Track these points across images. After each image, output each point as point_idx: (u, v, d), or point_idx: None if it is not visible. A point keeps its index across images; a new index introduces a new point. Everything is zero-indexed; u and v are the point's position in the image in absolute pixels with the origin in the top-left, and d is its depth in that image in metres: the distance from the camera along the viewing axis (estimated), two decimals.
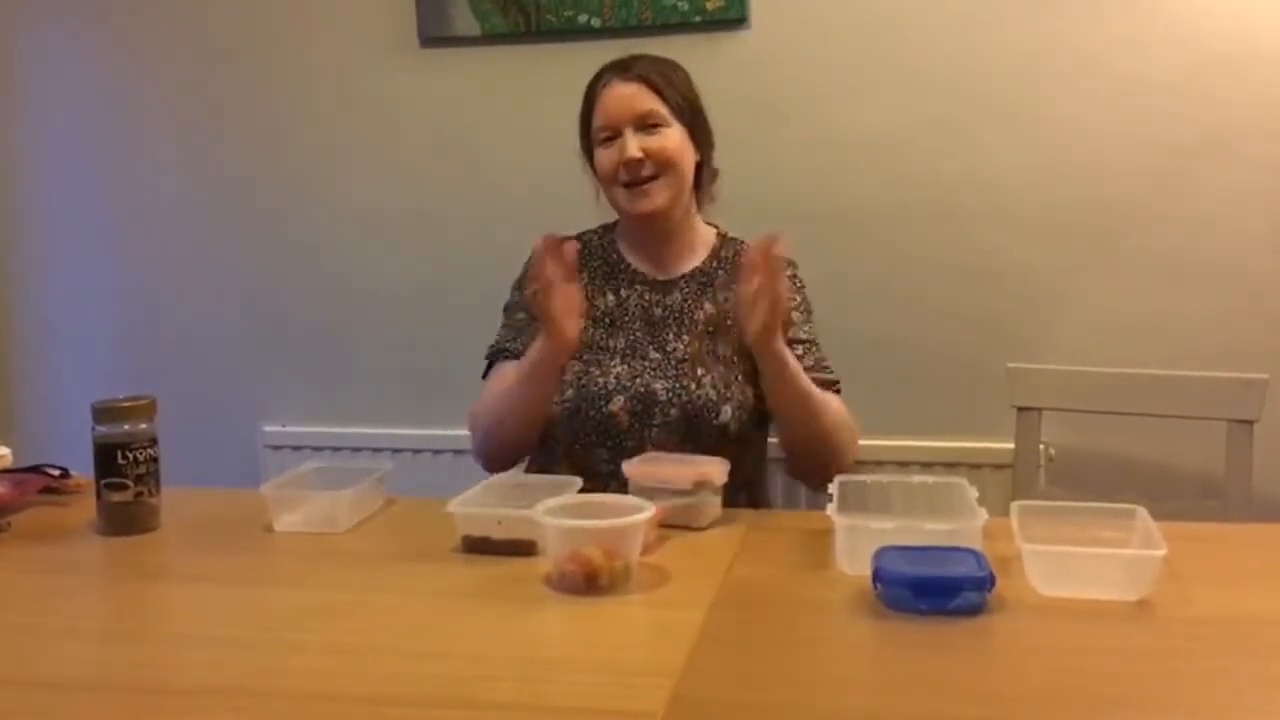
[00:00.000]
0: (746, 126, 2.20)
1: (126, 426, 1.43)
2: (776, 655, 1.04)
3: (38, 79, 2.60)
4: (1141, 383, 1.96)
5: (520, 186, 2.38)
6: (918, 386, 2.28)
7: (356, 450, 2.46)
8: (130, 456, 1.42)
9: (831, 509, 1.26)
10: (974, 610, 1.09)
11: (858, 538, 1.21)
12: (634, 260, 1.80)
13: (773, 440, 1.76)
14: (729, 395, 1.67)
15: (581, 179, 1.81)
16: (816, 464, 1.62)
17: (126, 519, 1.43)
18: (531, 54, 2.36)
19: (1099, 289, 2.21)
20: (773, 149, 2.27)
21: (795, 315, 1.72)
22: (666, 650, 1.03)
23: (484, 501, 1.37)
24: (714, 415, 1.65)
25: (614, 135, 1.70)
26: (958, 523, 1.24)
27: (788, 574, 1.25)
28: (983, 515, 1.22)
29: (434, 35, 2.39)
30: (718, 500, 1.43)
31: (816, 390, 1.61)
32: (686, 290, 1.76)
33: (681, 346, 1.71)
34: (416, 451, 2.42)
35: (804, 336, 1.73)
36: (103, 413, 1.43)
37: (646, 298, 1.76)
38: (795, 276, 1.78)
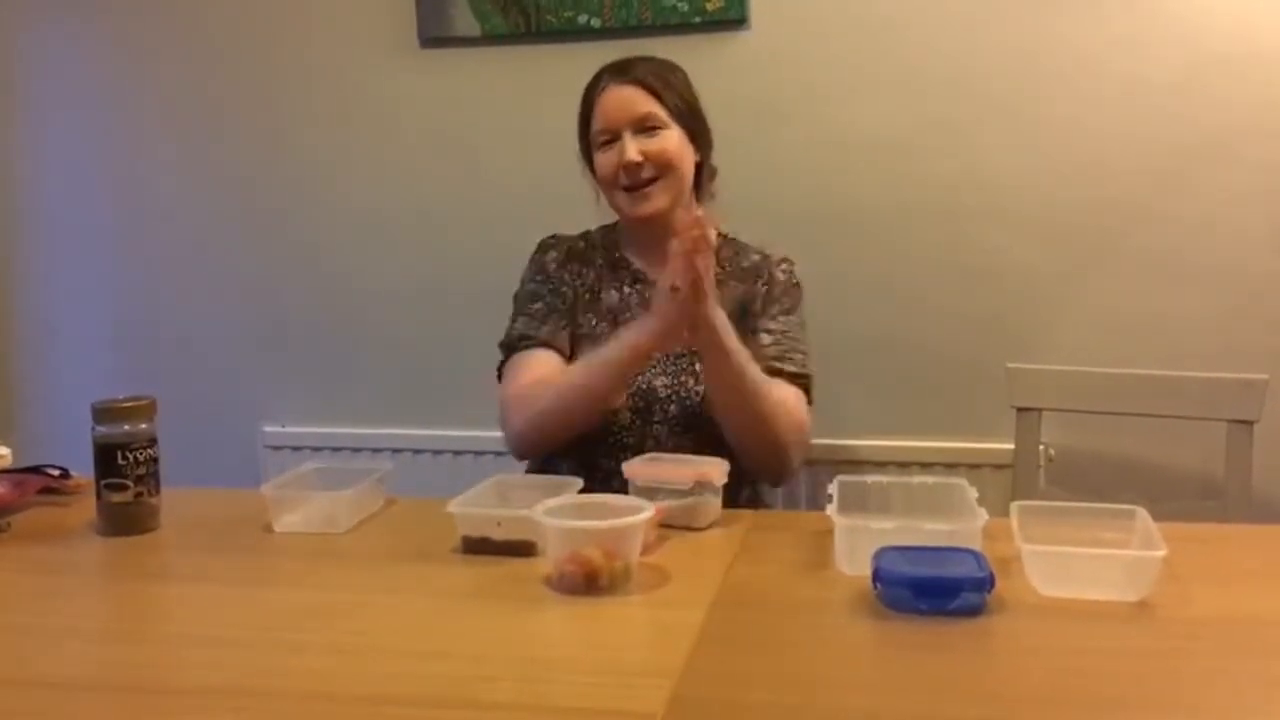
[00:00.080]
0: (746, 126, 2.20)
1: (126, 427, 1.43)
2: (776, 655, 1.04)
3: (38, 79, 2.60)
4: (1141, 383, 1.96)
5: (520, 186, 2.38)
6: (918, 386, 2.28)
7: (356, 450, 2.46)
8: (130, 457, 1.42)
9: (831, 509, 1.26)
10: (974, 611, 1.09)
11: (857, 538, 1.21)
12: (635, 259, 1.80)
13: None
14: None
15: (581, 180, 1.81)
16: (758, 450, 1.61)
17: (126, 519, 1.43)
18: (531, 54, 2.36)
19: (1099, 289, 2.21)
20: (773, 149, 2.27)
21: (771, 308, 1.73)
22: (666, 650, 1.03)
23: (483, 502, 1.37)
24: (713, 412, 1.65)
25: (613, 138, 1.70)
26: (958, 523, 1.24)
27: (788, 574, 1.25)
28: (983, 516, 1.22)
29: (434, 35, 2.39)
30: (718, 500, 1.43)
31: (760, 374, 1.60)
32: None
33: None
34: (416, 451, 2.42)
35: (774, 327, 1.73)
36: (103, 413, 1.43)
37: (648, 296, 1.76)
38: (791, 272, 1.79)
